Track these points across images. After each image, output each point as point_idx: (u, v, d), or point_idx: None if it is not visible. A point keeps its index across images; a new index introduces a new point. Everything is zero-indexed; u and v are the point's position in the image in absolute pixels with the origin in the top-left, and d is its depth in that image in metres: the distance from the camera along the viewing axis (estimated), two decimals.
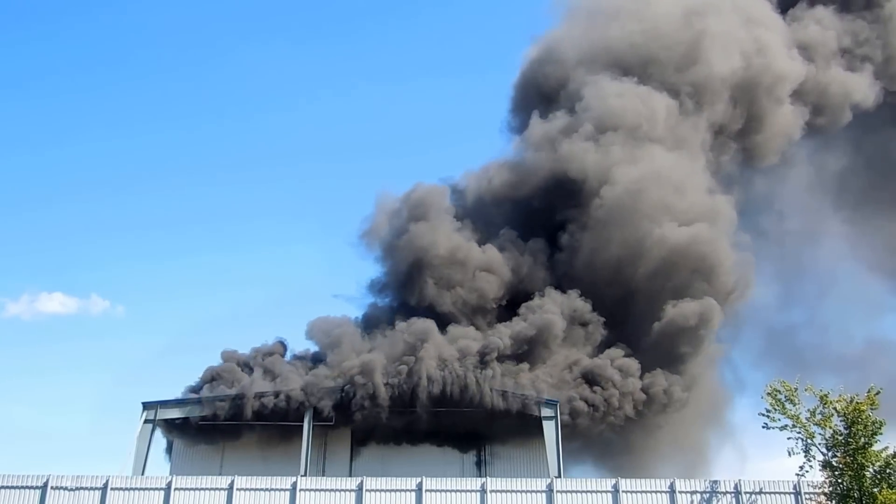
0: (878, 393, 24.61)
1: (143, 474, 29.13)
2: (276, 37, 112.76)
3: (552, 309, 33.99)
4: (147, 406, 30.54)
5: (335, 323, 35.70)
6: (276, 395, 30.22)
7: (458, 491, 26.24)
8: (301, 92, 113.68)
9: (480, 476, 30.89)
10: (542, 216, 38.61)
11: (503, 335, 32.90)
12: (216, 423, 30.57)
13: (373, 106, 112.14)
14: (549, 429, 29.23)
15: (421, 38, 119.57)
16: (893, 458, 24.03)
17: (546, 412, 29.51)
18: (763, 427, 24.95)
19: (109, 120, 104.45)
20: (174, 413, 30.99)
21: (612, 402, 31.68)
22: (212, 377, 32.40)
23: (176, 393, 32.41)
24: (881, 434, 24.16)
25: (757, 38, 41.08)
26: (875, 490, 23.55)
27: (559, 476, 28.19)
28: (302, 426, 30.27)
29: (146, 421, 30.34)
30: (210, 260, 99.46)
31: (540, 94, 42.73)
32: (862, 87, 41.51)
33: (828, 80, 41.55)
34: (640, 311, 35.96)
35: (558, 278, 36.76)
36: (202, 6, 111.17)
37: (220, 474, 28.83)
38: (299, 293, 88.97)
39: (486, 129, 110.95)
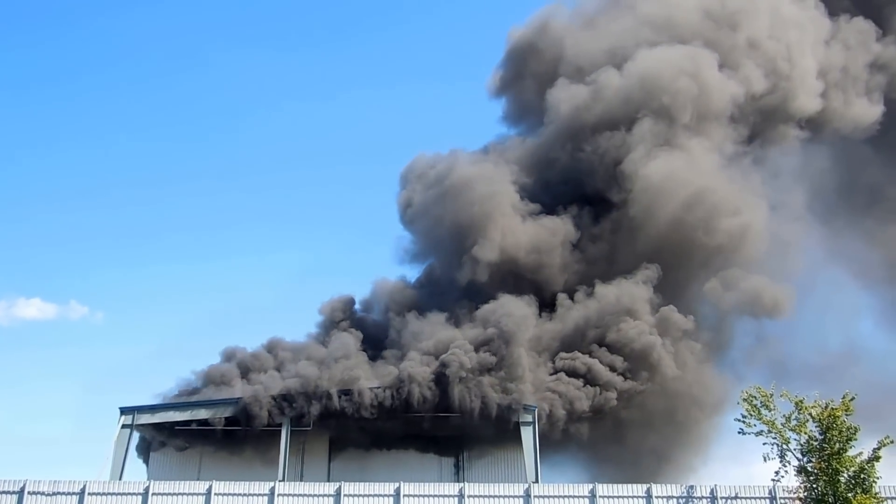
0: (852, 399, 24.75)
1: (120, 479, 28.95)
2: (257, 43, 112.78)
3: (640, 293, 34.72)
4: (125, 411, 30.36)
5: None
6: (254, 400, 30.11)
7: (436, 496, 26.19)
8: (282, 98, 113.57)
9: (459, 481, 31.00)
10: (575, 203, 38.59)
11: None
12: (194, 428, 30.47)
13: (357, 111, 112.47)
14: (528, 434, 29.18)
15: (406, 42, 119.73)
16: (867, 463, 24.19)
17: (524, 417, 29.44)
18: (739, 433, 25.11)
19: (88, 127, 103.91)
20: (152, 418, 30.81)
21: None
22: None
23: (154, 398, 32.36)
24: (856, 440, 24.29)
25: (787, 56, 40.49)
26: (849, 495, 23.67)
27: (537, 481, 28.19)
28: (280, 431, 30.17)
29: (124, 426, 30.17)
30: (192, 267, 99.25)
31: (546, 63, 42.61)
32: (866, 118, 41.65)
33: (838, 114, 41.60)
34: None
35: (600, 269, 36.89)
36: (183, 14, 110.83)
37: (197, 479, 28.75)
38: (278, 300, 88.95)
39: (475, 133, 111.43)
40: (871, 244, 44.43)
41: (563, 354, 33.07)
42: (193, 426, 30.52)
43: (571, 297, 35.56)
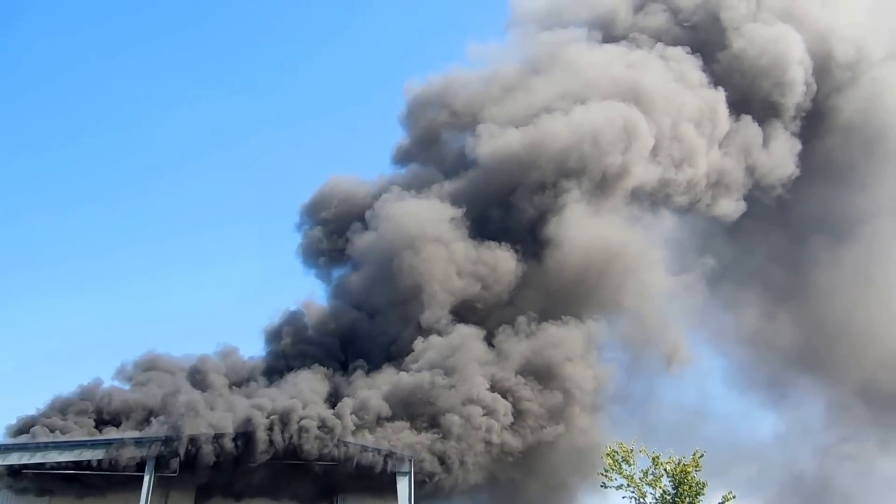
0: (701, 456, 26.90)
1: None
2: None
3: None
4: None
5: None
6: (112, 442, 28.15)
7: None
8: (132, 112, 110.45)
9: None
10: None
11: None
12: (44, 471, 27.88)
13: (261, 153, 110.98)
14: (403, 485, 29.00)
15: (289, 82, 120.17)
16: None
17: (400, 467, 29.34)
18: (601, 486, 26.52)
19: None
20: None
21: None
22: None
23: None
24: (703, 494, 26.36)
25: (680, 160, 43.94)
26: None
27: None
28: (142, 477, 28.15)
29: None
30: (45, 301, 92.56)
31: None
32: (726, 216, 46.24)
33: (703, 211, 45.85)
34: None
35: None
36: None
37: None
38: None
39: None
40: (725, 312, 49.17)
41: (499, 377, 34.01)
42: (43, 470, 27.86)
43: (513, 330, 36.90)
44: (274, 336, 38.87)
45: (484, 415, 31.96)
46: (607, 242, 39.45)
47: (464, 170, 43.31)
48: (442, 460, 30.71)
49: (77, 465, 27.92)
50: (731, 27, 48.58)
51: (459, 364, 33.17)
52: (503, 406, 32.64)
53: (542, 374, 34.98)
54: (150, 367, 34.76)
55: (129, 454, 27.59)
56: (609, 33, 49.70)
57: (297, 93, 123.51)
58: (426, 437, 31.11)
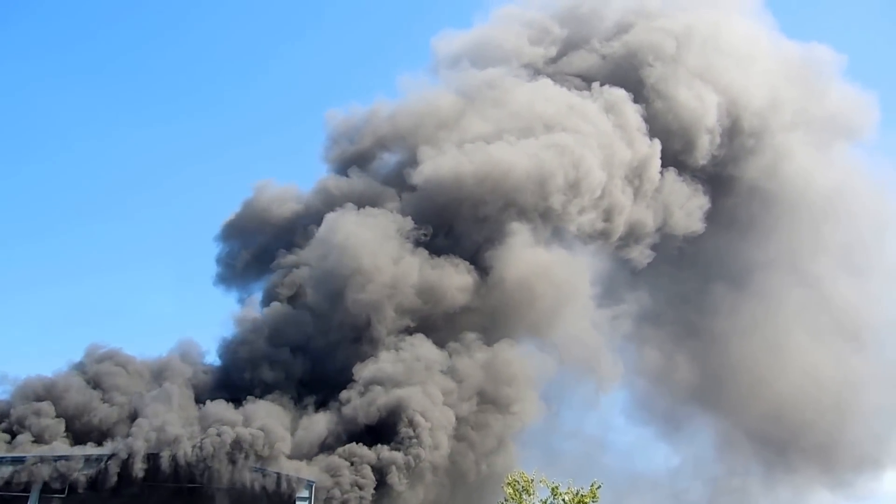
0: (599, 487, 28.15)
1: None
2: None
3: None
4: None
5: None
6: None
7: None
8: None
9: None
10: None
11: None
12: None
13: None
14: None
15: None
16: None
17: (301, 493, 29.04)
18: None
19: None
20: None
21: None
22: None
23: None
24: None
25: (597, 218, 46.33)
26: None
27: None
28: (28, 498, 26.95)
29: None
30: None
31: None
32: (634, 262, 49.18)
33: (611, 254, 48.37)
34: None
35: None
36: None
37: None
38: None
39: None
40: (628, 345, 51.66)
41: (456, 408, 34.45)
42: None
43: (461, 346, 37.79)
44: (229, 351, 38.18)
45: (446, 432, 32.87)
46: (544, 273, 41.15)
47: (406, 190, 44.16)
48: (408, 468, 31.22)
49: None
50: (650, 85, 51.48)
51: (416, 378, 33.82)
52: (451, 426, 33.51)
53: (493, 403, 36.11)
54: (103, 359, 33.60)
55: (16, 474, 26.23)
56: (538, 73, 51.73)
57: (222, 122, 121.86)
58: (383, 451, 31.50)
